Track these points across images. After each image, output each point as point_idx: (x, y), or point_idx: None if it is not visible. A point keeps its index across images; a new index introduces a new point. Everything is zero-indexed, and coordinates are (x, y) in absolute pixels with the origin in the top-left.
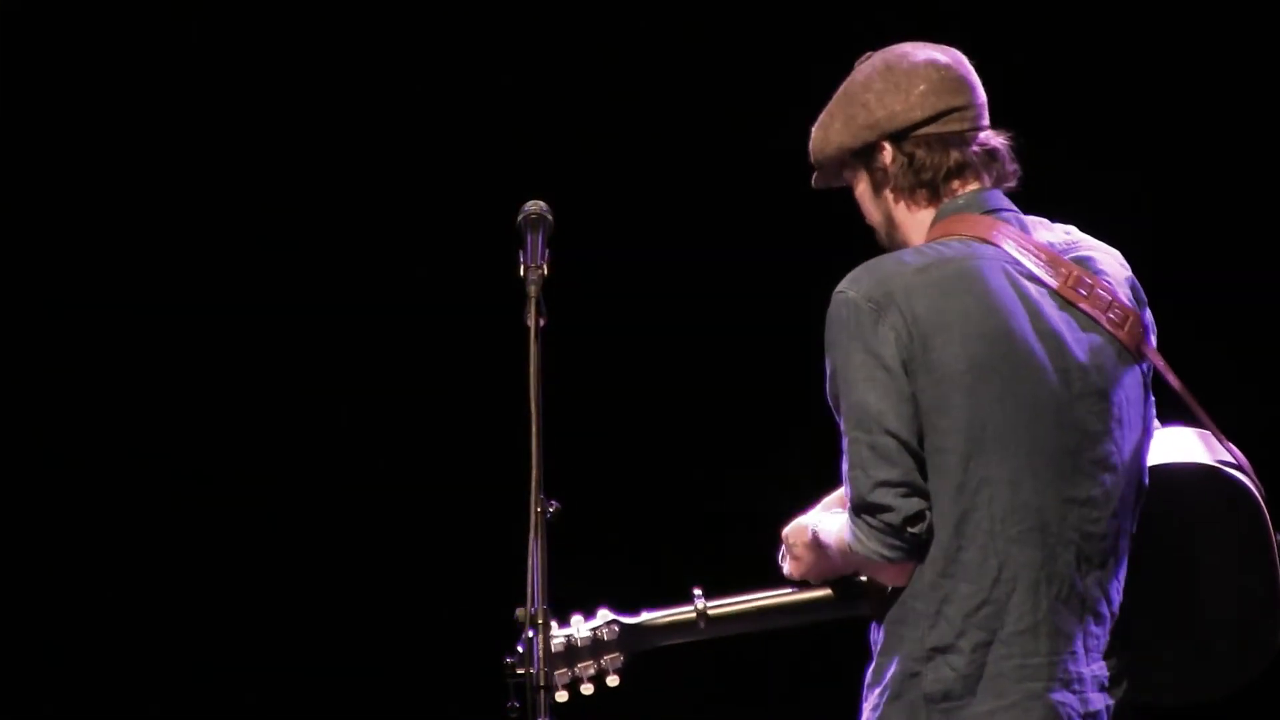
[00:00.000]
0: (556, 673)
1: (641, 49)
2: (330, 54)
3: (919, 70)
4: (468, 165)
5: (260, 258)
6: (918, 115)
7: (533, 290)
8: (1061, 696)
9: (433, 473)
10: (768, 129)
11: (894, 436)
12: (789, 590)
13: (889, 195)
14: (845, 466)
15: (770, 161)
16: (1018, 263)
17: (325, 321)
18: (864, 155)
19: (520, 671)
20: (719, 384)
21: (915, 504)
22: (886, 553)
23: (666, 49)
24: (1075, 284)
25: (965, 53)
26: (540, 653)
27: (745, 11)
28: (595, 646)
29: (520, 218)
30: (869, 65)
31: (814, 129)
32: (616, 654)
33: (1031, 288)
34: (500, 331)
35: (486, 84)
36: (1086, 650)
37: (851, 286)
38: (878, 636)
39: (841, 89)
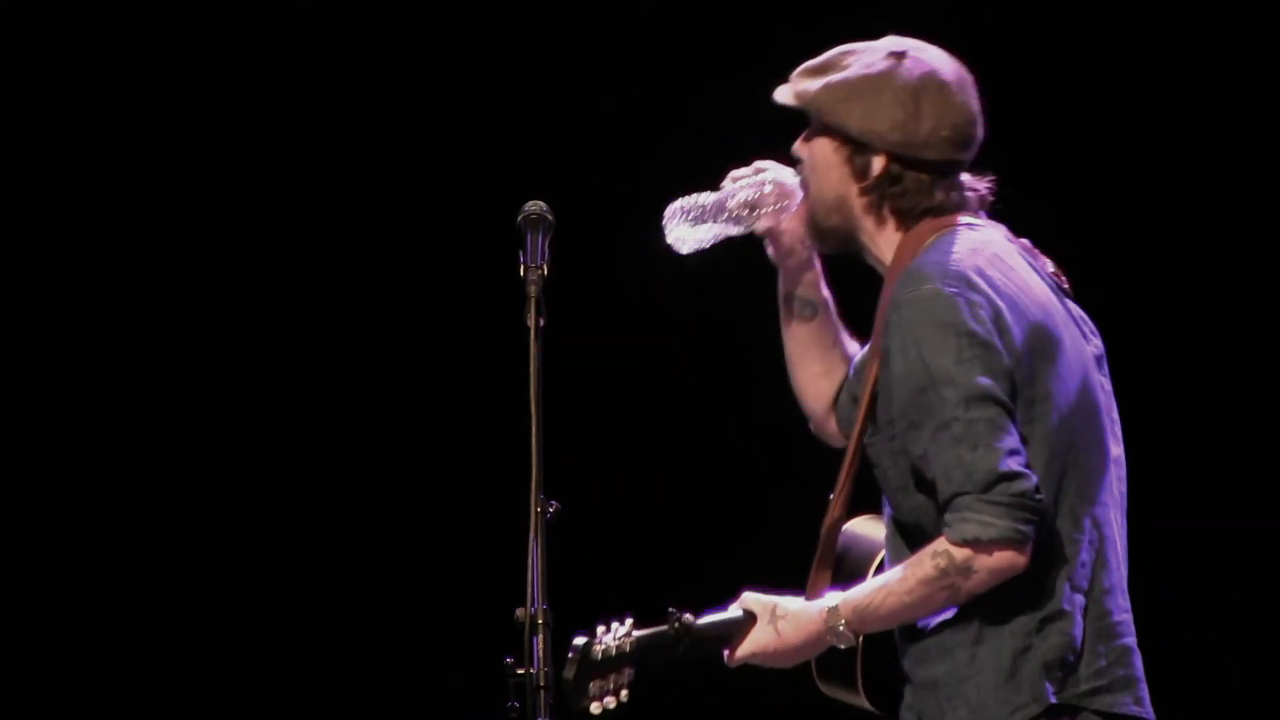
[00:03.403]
0: (592, 684)
1: (642, 48)
2: (330, 54)
3: (949, 112)
4: (468, 165)
5: (260, 258)
6: (929, 155)
7: (533, 290)
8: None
9: (433, 473)
10: (767, 128)
11: (1005, 409)
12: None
13: (857, 194)
14: (948, 457)
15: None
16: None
17: (325, 321)
18: (857, 146)
19: (520, 671)
20: (720, 383)
21: (1034, 474)
22: (1023, 528)
23: (667, 49)
24: (1060, 277)
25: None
26: (540, 652)
27: (747, 12)
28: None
29: (520, 218)
30: (908, 70)
31: (822, 80)
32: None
33: (1039, 270)
34: (500, 331)
35: (486, 84)
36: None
37: (929, 281)
38: (957, 635)
39: (876, 70)
